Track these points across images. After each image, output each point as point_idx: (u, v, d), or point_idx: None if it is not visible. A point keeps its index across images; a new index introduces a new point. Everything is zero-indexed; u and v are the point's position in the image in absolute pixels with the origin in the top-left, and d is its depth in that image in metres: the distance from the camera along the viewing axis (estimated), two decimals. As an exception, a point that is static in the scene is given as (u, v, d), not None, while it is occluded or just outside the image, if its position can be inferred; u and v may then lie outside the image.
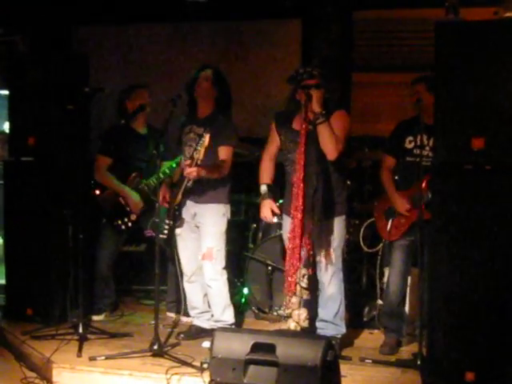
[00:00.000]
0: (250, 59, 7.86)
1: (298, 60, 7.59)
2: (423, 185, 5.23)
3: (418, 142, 5.45)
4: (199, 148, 5.27)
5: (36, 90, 6.14)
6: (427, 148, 5.43)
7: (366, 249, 6.38)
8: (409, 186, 5.52)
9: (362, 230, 6.42)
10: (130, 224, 6.32)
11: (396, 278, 5.61)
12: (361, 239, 6.41)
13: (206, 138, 5.25)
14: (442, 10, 4.88)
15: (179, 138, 5.85)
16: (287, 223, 5.26)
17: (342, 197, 5.45)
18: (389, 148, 5.78)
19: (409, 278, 5.72)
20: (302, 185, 4.93)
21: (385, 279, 5.92)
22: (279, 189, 6.27)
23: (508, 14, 5.00)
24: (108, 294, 6.50)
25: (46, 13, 7.61)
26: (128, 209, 6.31)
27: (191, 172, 5.37)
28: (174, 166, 6.02)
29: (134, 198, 6.29)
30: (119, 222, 6.31)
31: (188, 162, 5.38)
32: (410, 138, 5.59)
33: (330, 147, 5.13)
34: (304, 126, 5.01)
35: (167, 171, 6.04)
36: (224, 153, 5.61)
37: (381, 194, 5.89)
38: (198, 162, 5.32)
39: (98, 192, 6.42)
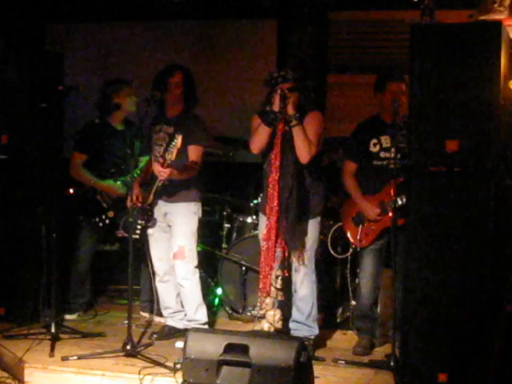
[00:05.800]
0: (226, 59, 7.83)
1: (273, 60, 7.58)
2: (392, 190, 5.15)
3: (384, 145, 5.44)
4: (171, 149, 5.26)
5: (9, 88, 6.07)
6: (392, 150, 5.24)
7: (335, 255, 6.15)
8: (377, 191, 5.49)
9: (331, 234, 6.15)
10: (107, 221, 6.27)
11: (367, 281, 5.59)
12: (329, 244, 6.14)
13: (179, 140, 5.23)
14: (417, 13, 4.90)
15: (149, 137, 5.83)
16: (263, 223, 5.25)
17: (318, 198, 5.44)
18: (351, 154, 5.68)
19: (381, 279, 5.71)
20: (277, 186, 4.93)
21: (357, 280, 5.90)
22: (253, 189, 6.28)
23: (482, 17, 5.05)
24: (82, 292, 6.45)
25: (21, 10, 7.55)
26: (105, 205, 6.26)
27: (163, 172, 5.36)
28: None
29: (111, 185, 6.22)
30: (97, 220, 6.27)
31: (160, 161, 5.36)
32: (375, 141, 5.51)
33: (302, 151, 5.13)
34: (280, 126, 5.02)
35: (138, 172, 6.01)
36: (194, 152, 5.60)
37: (345, 199, 5.82)
38: (169, 162, 5.29)
39: (71, 191, 6.37)
